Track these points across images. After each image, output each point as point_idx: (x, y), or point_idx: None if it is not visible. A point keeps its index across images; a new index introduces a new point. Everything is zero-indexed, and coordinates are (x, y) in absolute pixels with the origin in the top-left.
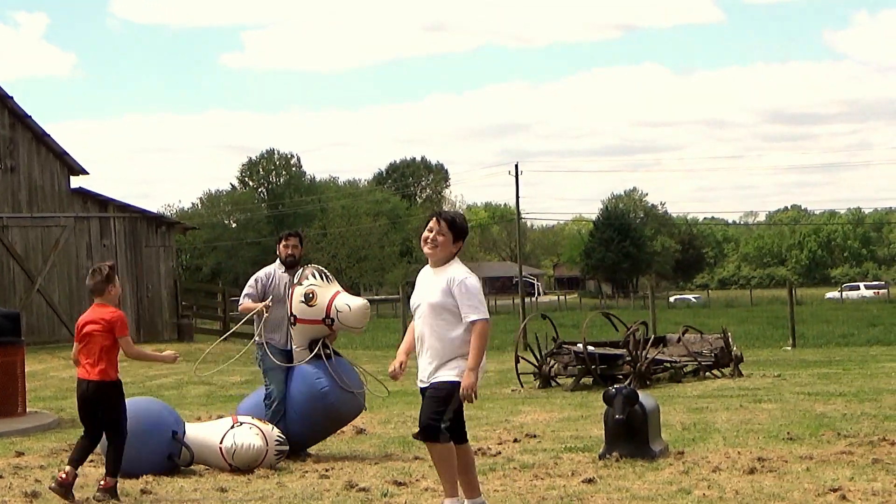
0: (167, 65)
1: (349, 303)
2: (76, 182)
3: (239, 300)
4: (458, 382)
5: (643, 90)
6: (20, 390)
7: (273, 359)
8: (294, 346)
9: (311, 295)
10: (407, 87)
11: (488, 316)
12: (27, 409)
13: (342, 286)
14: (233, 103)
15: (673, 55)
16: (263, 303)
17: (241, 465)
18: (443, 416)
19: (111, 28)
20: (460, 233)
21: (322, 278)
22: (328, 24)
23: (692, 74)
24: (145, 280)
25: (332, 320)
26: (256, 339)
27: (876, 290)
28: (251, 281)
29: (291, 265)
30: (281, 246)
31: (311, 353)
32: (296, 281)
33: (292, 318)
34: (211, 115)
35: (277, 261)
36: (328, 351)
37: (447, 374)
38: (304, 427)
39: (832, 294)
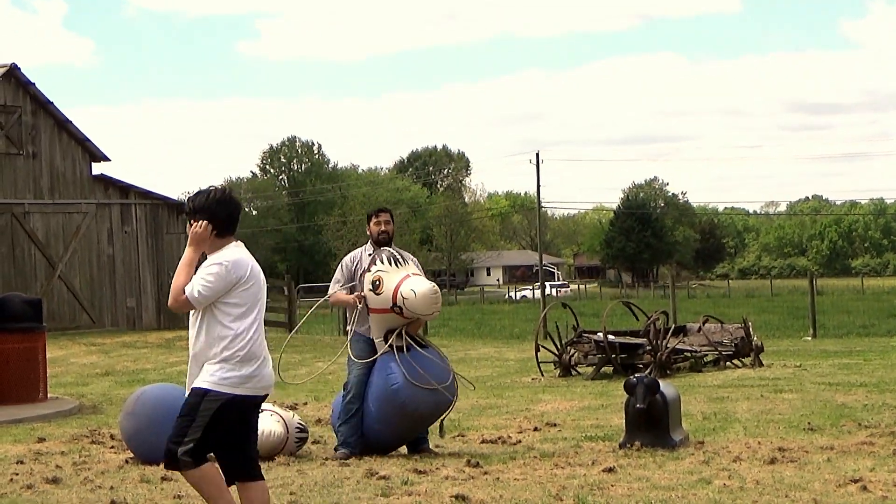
0: (183, 52)
1: (415, 288)
2: (97, 168)
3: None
4: (207, 391)
5: (661, 79)
6: (41, 376)
7: (351, 352)
8: (374, 338)
9: (377, 282)
10: (424, 75)
11: (197, 296)
12: (48, 395)
13: (418, 269)
14: (250, 91)
15: (689, 44)
16: (355, 294)
17: (262, 452)
18: (184, 435)
19: (128, 15)
20: (204, 213)
21: (391, 262)
22: (341, 13)
23: (709, 63)
24: (166, 267)
25: (401, 308)
26: (349, 329)
27: (559, 289)
28: (339, 266)
29: (385, 243)
30: (371, 224)
31: (386, 344)
32: (366, 266)
33: (366, 308)
34: (228, 102)
35: (369, 241)
36: (401, 343)
37: (198, 381)
38: (382, 426)
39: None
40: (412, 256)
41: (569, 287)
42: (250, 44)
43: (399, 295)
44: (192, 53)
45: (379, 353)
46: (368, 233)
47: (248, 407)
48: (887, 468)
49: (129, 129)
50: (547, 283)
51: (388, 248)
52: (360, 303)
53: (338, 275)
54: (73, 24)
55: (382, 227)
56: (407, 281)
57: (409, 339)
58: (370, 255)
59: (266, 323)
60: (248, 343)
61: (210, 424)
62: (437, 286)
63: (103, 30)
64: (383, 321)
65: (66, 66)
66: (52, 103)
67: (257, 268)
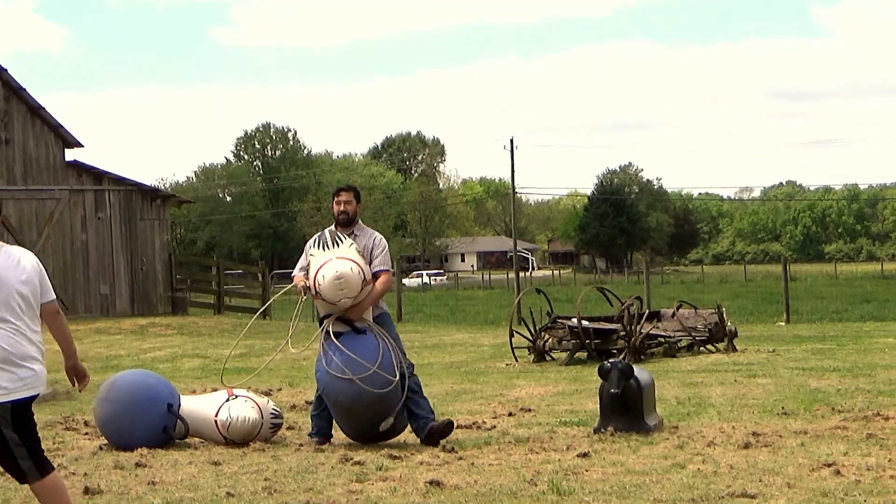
0: (157, 39)
1: (325, 274)
2: (71, 155)
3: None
4: None
5: (636, 66)
6: None
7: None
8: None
9: (307, 267)
10: (399, 61)
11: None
12: None
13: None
14: (224, 78)
15: (665, 31)
16: (301, 283)
17: (237, 438)
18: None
19: (102, 2)
20: None
21: (322, 246)
22: (314, 0)
23: (684, 50)
24: (140, 253)
25: (319, 294)
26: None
27: (435, 278)
28: (304, 250)
29: (345, 224)
30: (333, 204)
31: (320, 329)
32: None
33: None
34: (203, 89)
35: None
36: (337, 328)
37: None
38: (335, 420)
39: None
40: (377, 236)
41: (444, 274)
42: (224, 31)
43: (315, 281)
44: (165, 40)
45: (311, 339)
46: (332, 213)
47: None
48: (860, 452)
49: (103, 116)
50: (424, 272)
51: (331, 230)
52: (304, 292)
53: (302, 260)
54: (45, 10)
55: (342, 207)
56: (324, 266)
57: (344, 325)
58: (343, 231)
59: (241, 310)
60: None
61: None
62: (347, 272)
63: (76, 16)
64: (320, 305)
65: (38, 53)
66: (24, 89)
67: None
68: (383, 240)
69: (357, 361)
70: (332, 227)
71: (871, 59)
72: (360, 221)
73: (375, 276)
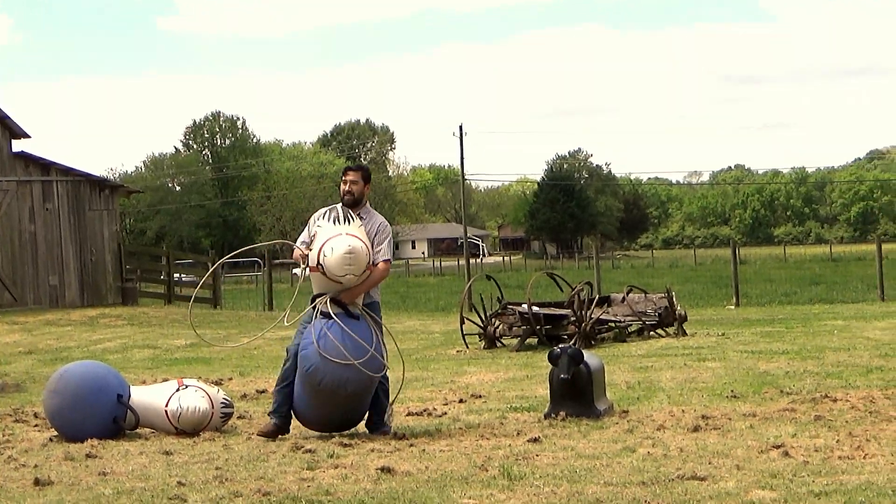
0: (103, 28)
1: (334, 246)
2: (17, 146)
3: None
4: None
5: (584, 51)
6: None
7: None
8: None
9: (313, 238)
10: (347, 49)
11: None
12: None
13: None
14: (171, 67)
15: (612, 15)
16: (299, 252)
17: (187, 427)
18: None
19: None
20: None
21: (334, 220)
22: None
23: (632, 35)
24: (89, 244)
25: (322, 267)
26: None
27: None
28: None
29: (350, 205)
30: (341, 183)
31: (310, 306)
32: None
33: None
34: (150, 78)
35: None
36: (328, 309)
37: None
38: (301, 403)
39: None
40: (382, 222)
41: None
42: (169, 19)
43: (321, 253)
44: (112, 29)
45: (302, 314)
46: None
47: None
48: (808, 434)
49: (50, 106)
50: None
51: (341, 207)
52: (302, 262)
53: (304, 234)
54: None
55: (347, 187)
56: (332, 239)
57: (337, 307)
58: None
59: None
60: None
61: None
62: (359, 249)
63: (20, 5)
64: (315, 281)
65: None
66: None
67: None
68: (388, 227)
69: (357, 343)
70: (341, 205)
71: (817, 43)
72: (367, 204)
73: (375, 263)
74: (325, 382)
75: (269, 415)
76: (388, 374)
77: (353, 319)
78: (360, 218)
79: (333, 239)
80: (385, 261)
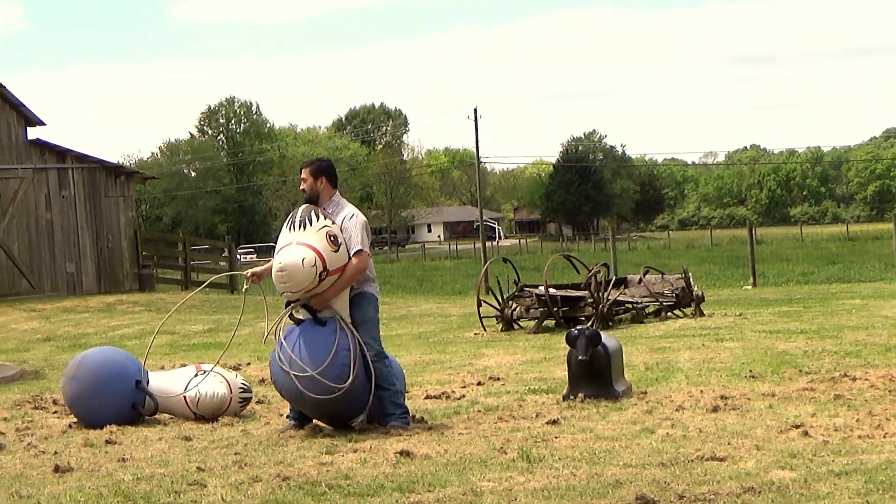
0: (117, 15)
1: (275, 260)
2: (33, 133)
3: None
4: None
5: (598, 32)
6: None
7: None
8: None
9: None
10: (360, 33)
11: None
12: None
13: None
14: (185, 54)
15: None
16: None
17: (206, 413)
18: None
19: None
20: None
21: (290, 227)
22: None
23: (645, 15)
24: (105, 231)
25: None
26: None
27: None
28: None
29: (309, 202)
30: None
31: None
32: None
33: None
34: (164, 65)
35: None
36: (298, 316)
37: None
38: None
39: None
40: (350, 213)
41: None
42: (182, 7)
43: (271, 264)
44: (125, 16)
45: (276, 321)
46: None
47: None
48: (828, 413)
49: (65, 94)
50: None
51: (306, 207)
52: (247, 282)
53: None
54: None
55: (301, 186)
56: (280, 251)
57: (305, 312)
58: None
59: (209, 284)
60: None
61: None
62: (291, 266)
63: None
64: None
65: None
66: None
67: None
68: (357, 216)
69: (315, 352)
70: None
71: (832, 21)
72: (336, 196)
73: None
74: (284, 391)
75: (287, 418)
76: (390, 368)
77: (318, 327)
78: (325, 214)
79: (281, 251)
80: (357, 252)
